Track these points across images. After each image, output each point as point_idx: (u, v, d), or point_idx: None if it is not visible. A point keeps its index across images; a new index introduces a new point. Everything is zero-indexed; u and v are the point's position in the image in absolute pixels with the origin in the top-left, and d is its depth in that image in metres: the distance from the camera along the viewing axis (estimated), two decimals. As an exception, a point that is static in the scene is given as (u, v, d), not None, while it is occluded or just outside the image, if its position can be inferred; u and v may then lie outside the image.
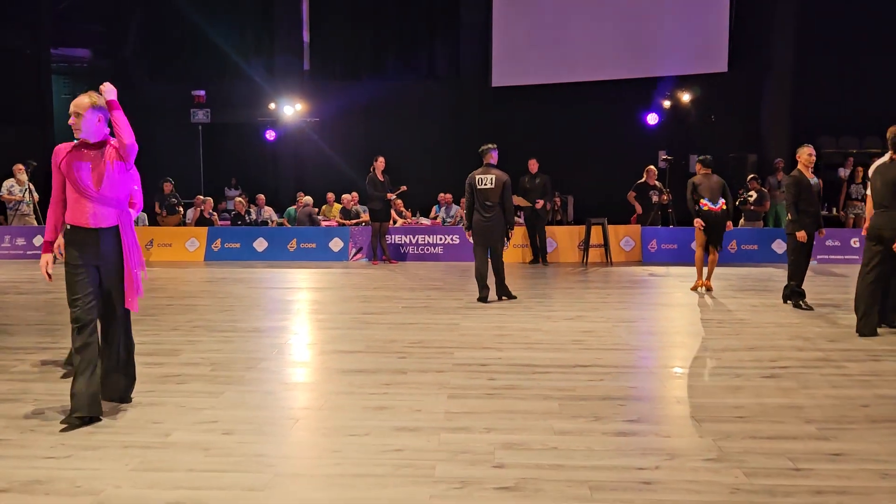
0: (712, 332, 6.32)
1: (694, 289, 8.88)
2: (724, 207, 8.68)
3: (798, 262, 7.48)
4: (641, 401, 4.28)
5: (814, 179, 7.47)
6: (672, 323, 6.98)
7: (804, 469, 3.23)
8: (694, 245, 9.10)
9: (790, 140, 14.94)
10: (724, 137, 15.49)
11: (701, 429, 3.76)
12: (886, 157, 6.20)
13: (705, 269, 8.94)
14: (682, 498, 2.94)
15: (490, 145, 8.11)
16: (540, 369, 4.95)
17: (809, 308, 7.37)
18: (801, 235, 7.31)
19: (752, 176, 13.05)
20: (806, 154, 7.46)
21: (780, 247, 12.19)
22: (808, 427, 3.79)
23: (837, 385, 4.57)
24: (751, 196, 12.72)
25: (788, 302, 7.67)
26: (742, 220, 12.92)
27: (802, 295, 7.51)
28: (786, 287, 7.72)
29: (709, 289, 8.84)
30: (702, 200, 8.66)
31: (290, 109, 17.26)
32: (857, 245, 12.06)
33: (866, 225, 6.29)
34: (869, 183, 6.41)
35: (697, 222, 8.64)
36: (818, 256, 11.85)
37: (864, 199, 13.24)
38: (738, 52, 15.59)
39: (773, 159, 14.14)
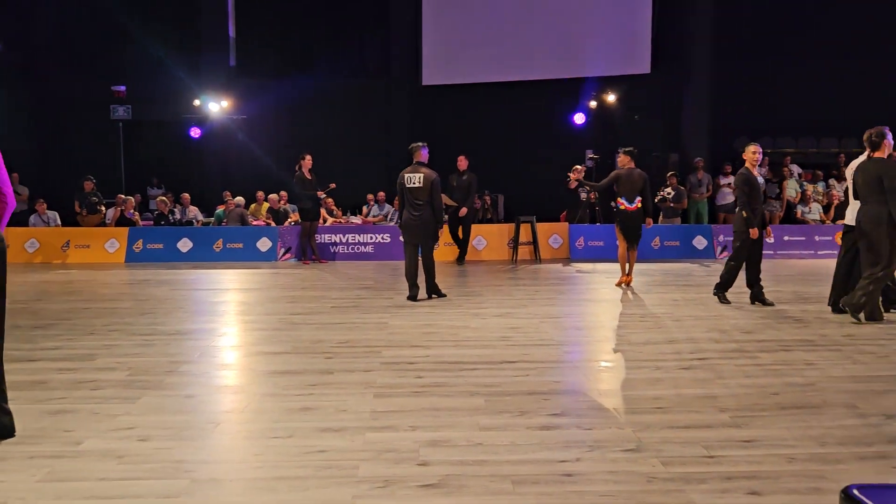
0: (635, 327, 6.48)
1: (618, 284, 9.10)
2: (640, 206, 8.88)
3: (740, 260, 7.56)
4: (565, 394, 4.35)
5: (759, 178, 7.61)
6: (597, 318, 7.13)
7: (717, 456, 3.34)
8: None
9: (709, 140, 15.51)
10: (648, 137, 15.92)
11: (621, 420, 3.85)
12: (864, 157, 6.62)
13: (629, 265, 9.16)
14: (600, 489, 3.00)
15: (419, 143, 8.11)
16: (467, 366, 4.98)
17: (727, 301, 7.59)
18: (754, 233, 7.38)
19: (670, 173, 13.45)
20: (751, 152, 7.50)
21: (700, 243, 12.63)
22: (723, 416, 3.92)
23: (751, 375, 4.76)
24: (669, 193, 13.11)
25: (715, 295, 7.73)
26: (661, 217, 13.30)
27: (725, 290, 7.66)
28: (717, 286, 7.75)
29: (628, 284, 9.06)
30: (619, 199, 8.86)
31: (216, 106, 16.85)
32: (787, 240, 12.58)
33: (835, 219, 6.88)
34: (849, 180, 6.89)
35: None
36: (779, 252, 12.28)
37: (778, 198, 13.85)
38: (660, 54, 16.07)
39: (694, 158, 14.63)
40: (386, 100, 17.18)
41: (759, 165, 7.91)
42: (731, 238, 12.66)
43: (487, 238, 12.92)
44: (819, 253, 12.74)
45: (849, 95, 15.91)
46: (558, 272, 10.80)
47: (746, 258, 7.55)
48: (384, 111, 17.17)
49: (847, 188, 7.44)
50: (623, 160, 9.06)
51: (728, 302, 7.62)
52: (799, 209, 13.66)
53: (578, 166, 13.20)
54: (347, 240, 12.87)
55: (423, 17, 16.93)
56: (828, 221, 13.55)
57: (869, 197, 6.37)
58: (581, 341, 5.97)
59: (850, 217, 6.89)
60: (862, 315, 6.49)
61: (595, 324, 6.82)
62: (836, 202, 13.73)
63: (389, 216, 13.90)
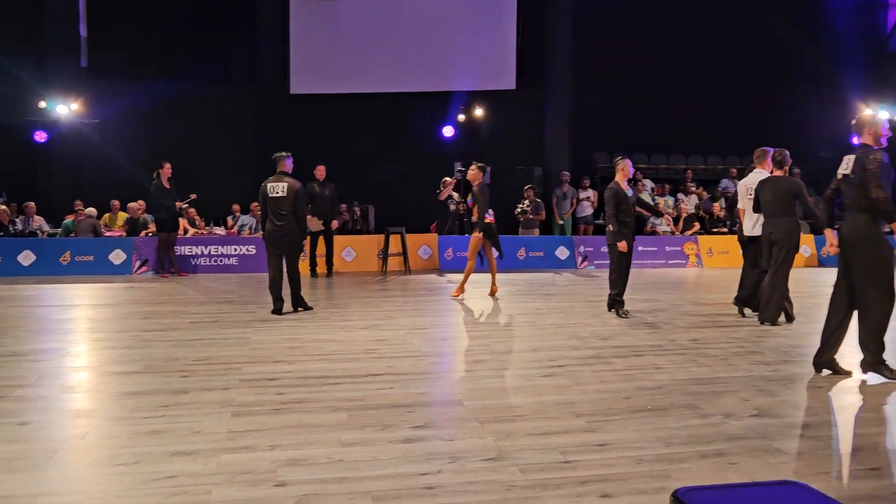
0: (500, 336, 6.63)
1: (479, 294, 9.27)
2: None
3: (619, 272, 7.75)
4: (430, 406, 4.36)
5: (630, 191, 7.82)
6: (464, 328, 7.23)
7: (573, 461, 3.45)
8: (490, 253, 9.28)
9: (571, 155, 16.20)
10: (513, 151, 16.44)
11: (483, 430, 3.90)
12: (759, 174, 7.42)
13: (490, 275, 9.35)
14: (461, 500, 3.01)
15: (283, 153, 7.95)
16: (331, 380, 4.88)
17: (626, 316, 7.61)
18: (623, 246, 7.63)
19: (528, 186, 13.91)
20: (623, 167, 7.73)
21: (562, 253, 13.13)
22: (579, 421, 4.06)
23: (605, 380, 4.97)
24: (528, 206, 13.53)
25: (612, 311, 7.82)
26: (520, 229, 13.68)
27: (622, 304, 7.77)
28: (610, 301, 7.90)
29: (493, 293, 9.23)
30: (488, 214, 8.91)
31: (65, 109, 15.69)
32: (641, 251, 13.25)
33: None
34: (743, 195, 7.64)
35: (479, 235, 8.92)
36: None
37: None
38: (524, 71, 16.65)
39: (558, 172, 15.24)
40: (253, 107, 16.68)
41: (632, 180, 8.28)
42: (591, 249, 13.36)
43: (357, 249, 12.82)
44: (669, 262, 13.58)
45: (695, 116, 17.21)
46: (428, 283, 10.88)
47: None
48: (251, 119, 16.66)
49: (733, 202, 8.48)
50: (473, 174, 9.09)
51: (626, 316, 7.64)
52: (650, 222, 14.51)
53: (448, 178, 13.45)
54: (210, 251, 12.36)
55: (290, 23, 16.60)
56: (677, 233, 14.48)
57: (777, 210, 6.96)
58: (447, 352, 6.02)
59: (749, 229, 7.58)
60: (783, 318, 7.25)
61: (462, 334, 6.91)
62: (684, 215, 14.72)
63: (254, 227, 13.48)
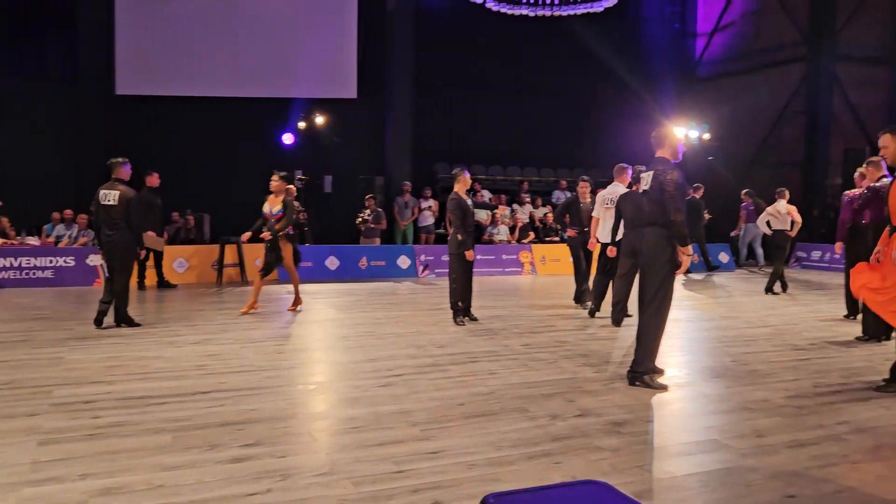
0: (338, 347, 6.55)
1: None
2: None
3: (462, 279, 7.89)
4: (261, 422, 4.21)
5: (469, 201, 7.98)
6: (302, 340, 7.07)
7: (406, 470, 3.46)
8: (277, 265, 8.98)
9: (412, 165, 16.39)
10: (355, 160, 16.37)
11: (316, 444, 3.82)
12: (619, 187, 8.12)
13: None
14: (290, 518, 2.93)
15: (120, 160, 7.60)
16: (155, 400, 4.59)
17: (464, 324, 7.79)
18: (471, 255, 7.77)
19: (369, 196, 13.92)
20: (464, 178, 7.89)
21: (404, 262, 13.25)
22: (414, 430, 4.09)
23: (441, 387, 5.05)
24: (368, 216, 13.53)
25: (460, 319, 7.92)
26: (361, 239, 13.66)
27: (465, 312, 7.97)
28: (453, 310, 7.98)
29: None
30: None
31: None
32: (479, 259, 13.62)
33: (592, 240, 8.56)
34: (601, 205, 8.35)
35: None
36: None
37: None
38: (366, 81, 16.64)
39: (400, 181, 15.37)
40: (73, 108, 15.41)
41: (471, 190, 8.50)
42: (432, 258, 13.57)
43: (189, 260, 12.19)
44: (506, 270, 14.09)
45: (530, 131, 18.07)
46: (265, 294, 10.55)
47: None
48: (71, 120, 15.38)
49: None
50: (276, 185, 8.84)
51: (463, 324, 7.81)
52: (489, 231, 15.00)
53: (290, 186, 13.13)
54: (20, 264, 11.23)
55: (115, 19, 15.52)
56: (514, 241, 15.06)
57: (638, 222, 7.23)
58: (283, 365, 5.85)
59: (605, 236, 8.23)
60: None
61: (299, 346, 6.75)
62: (520, 224, 15.35)
63: (74, 236, 12.44)
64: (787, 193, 10.76)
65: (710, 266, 14.59)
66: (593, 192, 9.14)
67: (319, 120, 16.22)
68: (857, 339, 7.10)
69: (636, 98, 18.33)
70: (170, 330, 7.32)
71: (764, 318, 8.53)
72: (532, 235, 15.43)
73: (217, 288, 11.42)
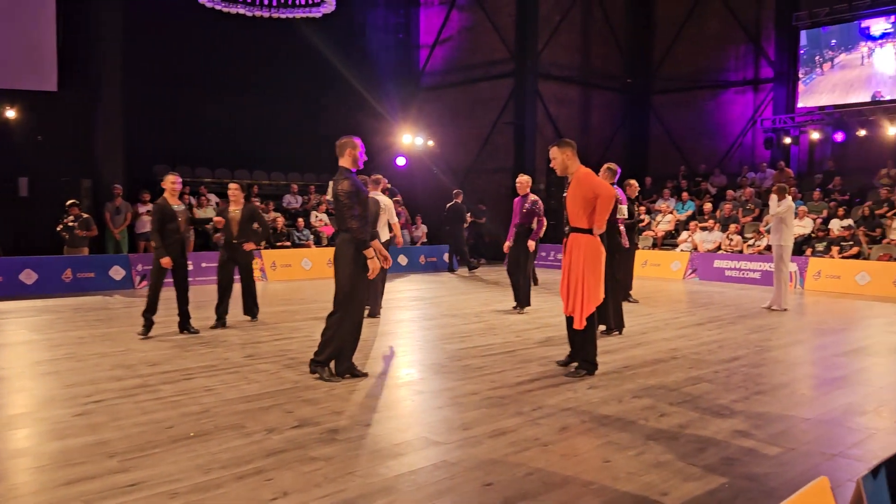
0: (27, 373, 5.75)
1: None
2: None
3: (154, 286, 7.40)
4: (-88, 475, 3.52)
5: (179, 206, 7.50)
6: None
7: (97, 510, 3.11)
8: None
9: (125, 166, 15.06)
10: (57, 160, 14.56)
11: (-16, 493, 3.29)
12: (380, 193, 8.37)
13: None
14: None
15: None
16: None
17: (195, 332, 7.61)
18: (167, 262, 7.31)
19: (71, 202, 12.32)
20: (170, 182, 7.42)
21: (118, 273, 12.10)
22: (111, 462, 3.71)
23: (148, 410, 4.65)
24: (73, 222, 12.05)
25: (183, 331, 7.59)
26: (65, 248, 12.11)
27: (151, 321, 7.45)
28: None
29: None
30: None
31: None
32: (204, 266, 12.85)
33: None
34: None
35: None
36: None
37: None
38: (68, 72, 14.86)
39: (111, 184, 13.97)
40: None
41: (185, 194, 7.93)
42: (150, 267, 12.54)
43: None
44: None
45: (259, 133, 17.47)
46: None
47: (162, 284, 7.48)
48: None
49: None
50: None
51: (197, 331, 7.60)
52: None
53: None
54: None
55: None
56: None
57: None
58: (-48, 401, 4.98)
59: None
60: None
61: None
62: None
63: None
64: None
65: (470, 266, 15.49)
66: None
67: (11, 114, 14.21)
68: (602, 332, 7.33)
69: (366, 104, 18.68)
70: None
71: (479, 315, 9.18)
72: (264, 242, 15.00)
73: None
